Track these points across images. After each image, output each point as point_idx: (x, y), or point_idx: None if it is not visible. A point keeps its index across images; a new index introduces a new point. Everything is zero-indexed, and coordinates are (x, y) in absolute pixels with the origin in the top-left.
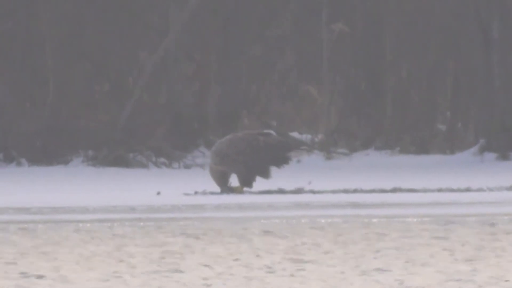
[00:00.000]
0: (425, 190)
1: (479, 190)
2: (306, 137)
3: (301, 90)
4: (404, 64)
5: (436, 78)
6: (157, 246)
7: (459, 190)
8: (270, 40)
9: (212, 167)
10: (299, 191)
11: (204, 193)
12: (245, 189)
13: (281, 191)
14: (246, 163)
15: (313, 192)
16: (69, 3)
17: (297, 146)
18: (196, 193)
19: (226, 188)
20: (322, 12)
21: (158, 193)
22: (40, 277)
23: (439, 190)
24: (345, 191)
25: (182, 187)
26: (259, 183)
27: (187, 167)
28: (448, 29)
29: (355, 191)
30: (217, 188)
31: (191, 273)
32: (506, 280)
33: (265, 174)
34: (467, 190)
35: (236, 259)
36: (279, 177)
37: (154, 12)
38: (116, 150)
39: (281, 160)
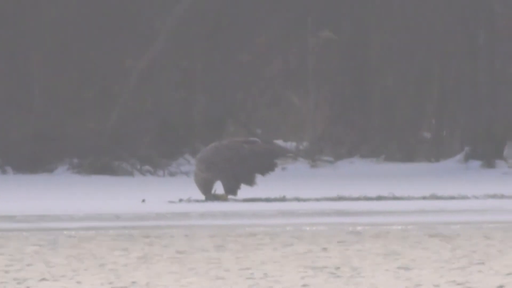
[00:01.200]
0: (410, 198)
1: (464, 197)
2: (291, 144)
3: (287, 98)
4: (390, 71)
5: (422, 86)
6: (141, 255)
7: (444, 198)
8: (257, 48)
9: (197, 174)
10: (284, 199)
11: (189, 200)
12: (230, 196)
13: (266, 199)
14: (232, 170)
15: (298, 200)
16: (55, 10)
17: (282, 154)
18: (181, 200)
19: (210, 196)
20: (308, 20)
21: (143, 201)
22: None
23: (424, 197)
24: (330, 198)
25: (167, 195)
26: (244, 191)
27: (172, 174)
28: (435, 37)
29: (340, 198)
30: (202, 196)
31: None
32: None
33: (250, 182)
34: (452, 197)
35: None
36: (264, 185)
37: (140, 19)
38: (102, 157)
39: (267, 168)
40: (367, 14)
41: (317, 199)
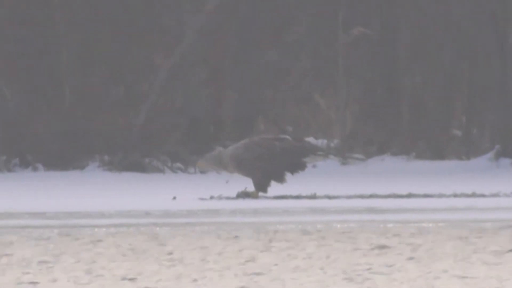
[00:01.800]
0: (440, 196)
1: (495, 195)
2: (321, 142)
3: (317, 95)
4: (420, 69)
5: (452, 83)
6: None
7: (474, 196)
8: (286, 45)
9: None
10: (314, 196)
11: (219, 198)
12: (260, 194)
13: (296, 196)
14: (263, 168)
15: (328, 197)
16: (85, 7)
17: (313, 152)
18: (211, 198)
19: (238, 192)
20: (338, 17)
21: (174, 198)
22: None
23: (455, 195)
24: (361, 196)
25: (197, 192)
26: (274, 188)
27: (202, 172)
28: (464, 34)
29: (370, 196)
30: (232, 193)
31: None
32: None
33: (280, 179)
34: (483, 195)
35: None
36: (295, 182)
37: (169, 16)
38: (132, 155)
39: (297, 166)
40: (396, 12)
41: (348, 197)
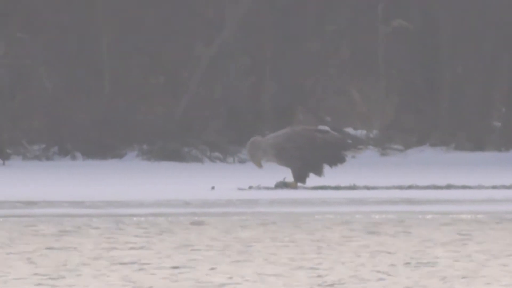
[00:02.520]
0: (479, 187)
1: None
2: (361, 132)
3: (356, 86)
4: (460, 60)
5: (492, 74)
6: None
7: None
8: (326, 35)
9: (256, 143)
10: (353, 187)
11: (258, 188)
12: (299, 184)
13: (335, 187)
14: (303, 158)
15: (367, 188)
16: None
17: (354, 145)
18: (250, 187)
19: (277, 182)
20: (378, 7)
21: (213, 188)
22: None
23: (494, 187)
24: (400, 187)
25: (236, 181)
26: (313, 179)
27: (241, 161)
28: (505, 25)
29: (409, 187)
30: (271, 183)
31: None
32: None
33: (319, 172)
34: None
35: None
36: (334, 173)
37: (210, 5)
38: (171, 144)
39: (337, 159)
40: (436, 2)
41: (387, 187)
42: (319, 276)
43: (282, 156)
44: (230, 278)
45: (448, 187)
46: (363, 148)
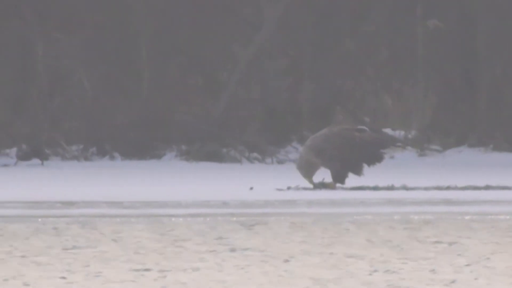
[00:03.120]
0: None
1: None
2: (399, 133)
3: (395, 86)
4: (499, 60)
5: None
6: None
7: None
8: (364, 35)
9: (302, 157)
10: (391, 187)
11: (297, 188)
12: (337, 185)
13: (373, 188)
14: (342, 159)
15: (406, 188)
16: None
17: (392, 143)
18: (288, 188)
19: (312, 180)
20: (417, 8)
21: (251, 188)
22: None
23: None
24: (438, 188)
25: (275, 182)
26: (351, 180)
27: (280, 162)
28: None
29: (448, 188)
30: (309, 184)
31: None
32: None
33: (358, 171)
34: None
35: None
36: (372, 174)
37: (248, 6)
38: (209, 144)
39: (375, 158)
40: (475, 2)
41: (425, 188)
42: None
43: (321, 157)
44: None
45: (487, 188)
46: (401, 146)
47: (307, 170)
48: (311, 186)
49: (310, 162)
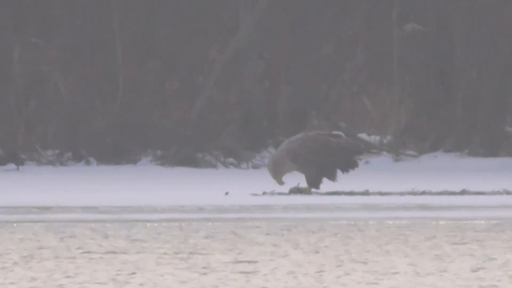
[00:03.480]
0: (493, 193)
1: None
2: (374, 138)
3: (370, 91)
4: (474, 64)
5: (507, 80)
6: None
7: None
8: (341, 40)
9: (275, 158)
10: (367, 192)
11: (272, 193)
12: (312, 190)
13: (349, 193)
14: (318, 164)
15: (381, 193)
16: (140, 0)
17: (367, 150)
18: (264, 193)
19: (280, 180)
20: (393, 12)
21: (226, 193)
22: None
23: (508, 192)
24: (413, 193)
25: (250, 187)
26: (327, 185)
27: (255, 167)
28: None
29: (423, 193)
30: (285, 189)
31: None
32: None
33: (333, 177)
34: None
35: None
36: (347, 178)
37: (224, 9)
38: (185, 149)
39: (349, 164)
40: (451, 6)
41: (401, 193)
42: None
43: (296, 161)
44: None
45: (462, 193)
46: (376, 152)
47: (277, 170)
48: (280, 186)
49: (282, 163)
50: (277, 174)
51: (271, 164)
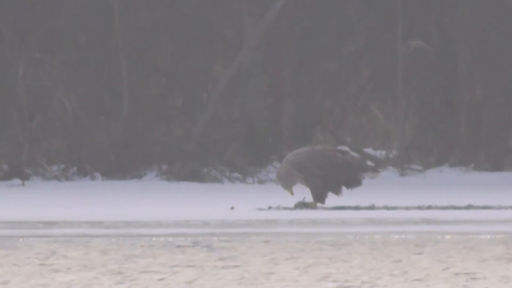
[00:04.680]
0: (499, 207)
1: None
2: (380, 153)
3: (376, 106)
4: (479, 80)
5: (510, 96)
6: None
7: None
8: (345, 56)
9: (284, 168)
10: (372, 207)
11: (277, 208)
12: (318, 204)
13: (355, 207)
14: (324, 178)
15: (387, 208)
16: (144, 16)
17: (373, 168)
18: (269, 208)
19: (296, 203)
20: (397, 28)
21: (232, 208)
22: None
23: None
24: (419, 207)
25: (255, 202)
26: (332, 199)
27: (260, 182)
28: None
29: (428, 207)
30: (290, 203)
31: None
32: None
33: (337, 191)
34: None
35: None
36: (353, 193)
37: (228, 26)
38: (190, 164)
39: (354, 181)
40: (455, 23)
41: (406, 208)
42: None
43: (302, 172)
44: None
45: (468, 207)
46: (381, 171)
47: (288, 181)
48: (291, 195)
49: (290, 173)
50: (288, 184)
51: (281, 176)
